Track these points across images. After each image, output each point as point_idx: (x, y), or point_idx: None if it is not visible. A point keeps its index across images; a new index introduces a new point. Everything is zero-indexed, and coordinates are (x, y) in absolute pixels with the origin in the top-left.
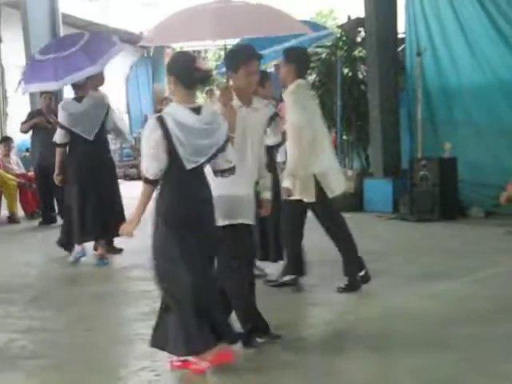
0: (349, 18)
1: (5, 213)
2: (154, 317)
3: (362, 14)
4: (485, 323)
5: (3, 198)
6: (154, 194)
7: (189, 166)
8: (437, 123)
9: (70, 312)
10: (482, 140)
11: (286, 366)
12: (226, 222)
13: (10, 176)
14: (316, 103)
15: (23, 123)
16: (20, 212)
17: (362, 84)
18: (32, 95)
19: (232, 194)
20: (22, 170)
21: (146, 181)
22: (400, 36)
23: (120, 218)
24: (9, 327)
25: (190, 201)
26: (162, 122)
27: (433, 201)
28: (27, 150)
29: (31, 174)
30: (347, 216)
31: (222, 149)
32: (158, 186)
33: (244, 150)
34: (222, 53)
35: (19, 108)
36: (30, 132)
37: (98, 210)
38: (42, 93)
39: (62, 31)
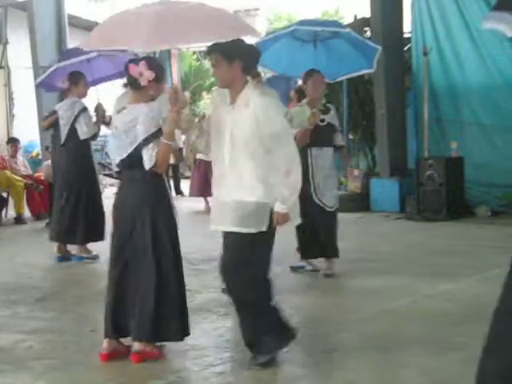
0: (355, 17)
1: (12, 213)
2: None
3: (367, 13)
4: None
5: (10, 198)
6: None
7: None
8: (443, 123)
9: (75, 313)
10: (488, 139)
11: (292, 365)
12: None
13: (17, 177)
14: None
15: (44, 119)
16: (27, 213)
17: (368, 83)
18: (39, 96)
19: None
20: (29, 171)
21: None
22: (406, 35)
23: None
24: (15, 328)
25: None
26: None
27: (439, 200)
28: (47, 148)
29: (38, 174)
30: (354, 216)
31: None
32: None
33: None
34: None
35: (25, 109)
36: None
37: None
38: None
39: (68, 32)
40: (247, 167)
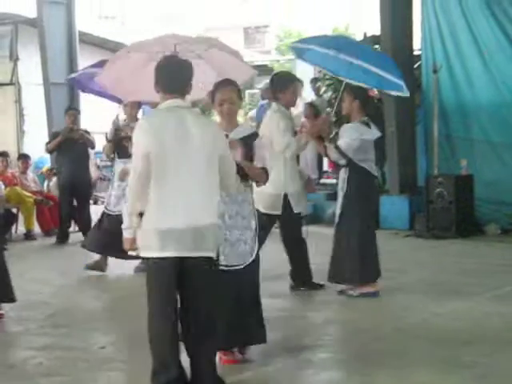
0: (365, 35)
1: (21, 229)
2: None
3: (377, 31)
4: (501, 341)
5: (20, 214)
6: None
7: None
8: (453, 140)
9: (85, 329)
10: (498, 157)
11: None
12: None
13: (27, 193)
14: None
15: (48, 143)
16: (37, 229)
17: (378, 101)
18: (49, 113)
19: None
20: (39, 187)
21: None
22: (416, 53)
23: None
24: (26, 344)
25: None
26: None
27: (449, 218)
28: (52, 169)
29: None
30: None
31: None
32: None
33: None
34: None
35: (36, 126)
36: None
37: None
38: (67, 110)
39: (79, 49)
40: None
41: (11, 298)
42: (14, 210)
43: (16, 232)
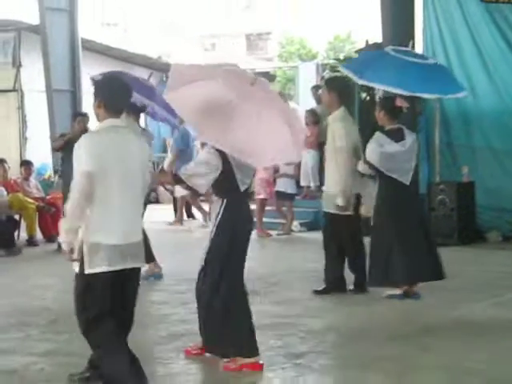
0: (366, 42)
1: (24, 236)
2: (173, 340)
3: (379, 38)
4: (503, 348)
5: (22, 221)
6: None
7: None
8: (455, 148)
9: None
10: (500, 164)
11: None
12: None
13: (29, 200)
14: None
15: (55, 141)
16: (39, 235)
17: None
18: (51, 120)
19: None
20: (42, 194)
21: None
22: None
23: None
24: (27, 350)
25: None
26: None
27: (451, 225)
28: (56, 172)
29: (50, 197)
30: (366, 240)
31: None
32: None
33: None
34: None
35: (38, 132)
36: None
37: None
38: (76, 116)
39: (82, 56)
40: None
41: None
42: (17, 217)
43: (18, 238)
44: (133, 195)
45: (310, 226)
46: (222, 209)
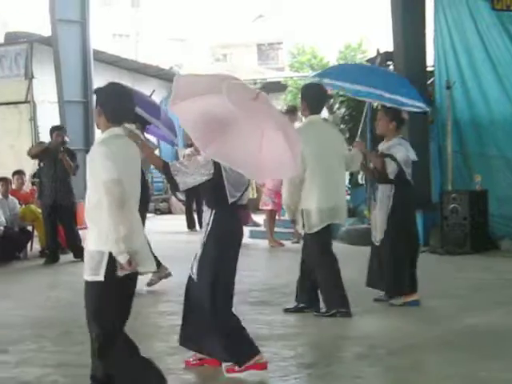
0: (377, 51)
1: (37, 247)
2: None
3: (390, 47)
4: None
5: (35, 232)
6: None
7: None
8: (467, 156)
9: None
10: None
11: None
12: None
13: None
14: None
15: (31, 148)
16: None
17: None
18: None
19: None
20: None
21: None
22: (429, 69)
23: None
24: (41, 362)
25: None
26: None
27: (463, 234)
28: (33, 183)
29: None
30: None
31: None
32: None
33: None
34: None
35: None
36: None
37: None
38: (53, 130)
39: (94, 67)
40: None
41: None
42: (29, 228)
43: (31, 250)
44: (136, 203)
45: None
46: (211, 219)
